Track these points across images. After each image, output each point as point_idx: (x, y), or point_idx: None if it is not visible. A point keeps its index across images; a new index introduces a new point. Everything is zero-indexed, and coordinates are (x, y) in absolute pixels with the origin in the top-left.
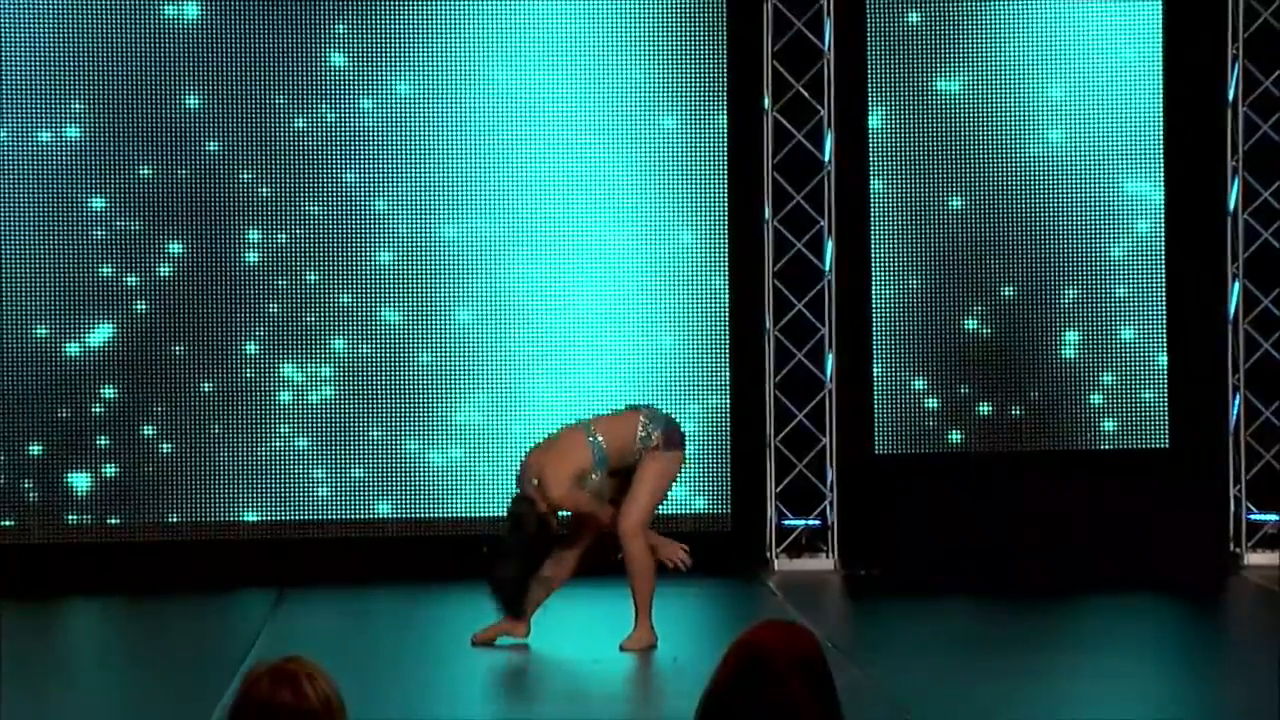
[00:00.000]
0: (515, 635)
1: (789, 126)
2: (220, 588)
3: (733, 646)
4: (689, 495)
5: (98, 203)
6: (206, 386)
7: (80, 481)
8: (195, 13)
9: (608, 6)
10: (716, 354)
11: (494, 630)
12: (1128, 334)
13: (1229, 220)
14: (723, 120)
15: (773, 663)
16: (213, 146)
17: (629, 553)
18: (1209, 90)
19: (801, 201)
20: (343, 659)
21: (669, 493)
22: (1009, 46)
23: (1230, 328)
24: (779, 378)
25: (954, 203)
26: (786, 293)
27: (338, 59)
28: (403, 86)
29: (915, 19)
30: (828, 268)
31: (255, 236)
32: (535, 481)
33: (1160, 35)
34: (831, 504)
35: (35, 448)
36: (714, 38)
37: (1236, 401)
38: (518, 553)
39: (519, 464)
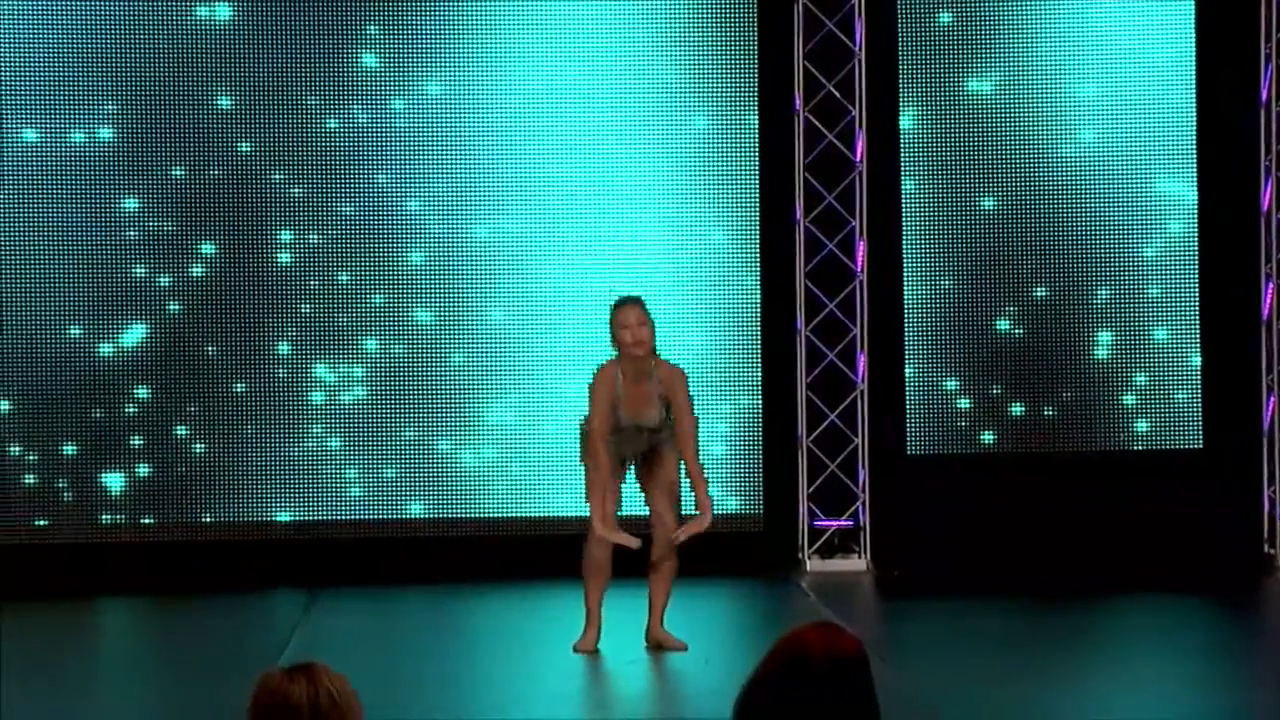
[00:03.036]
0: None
1: (820, 127)
2: (252, 588)
3: (777, 644)
4: (721, 495)
5: (130, 203)
6: (239, 387)
7: (114, 481)
8: (227, 15)
9: (640, 9)
10: (748, 354)
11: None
12: (1161, 335)
13: (1262, 220)
14: (754, 121)
15: (814, 663)
16: (245, 147)
17: (673, 559)
18: (1242, 90)
19: (833, 202)
20: (374, 659)
21: None
22: (1040, 46)
23: (1264, 329)
24: (811, 378)
25: (986, 203)
26: (818, 293)
27: (370, 60)
28: (434, 88)
29: (947, 19)
30: (859, 268)
31: (287, 237)
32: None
33: (1193, 35)
34: (863, 505)
35: (69, 448)
36: (745, 39)
37: (1270, 402)
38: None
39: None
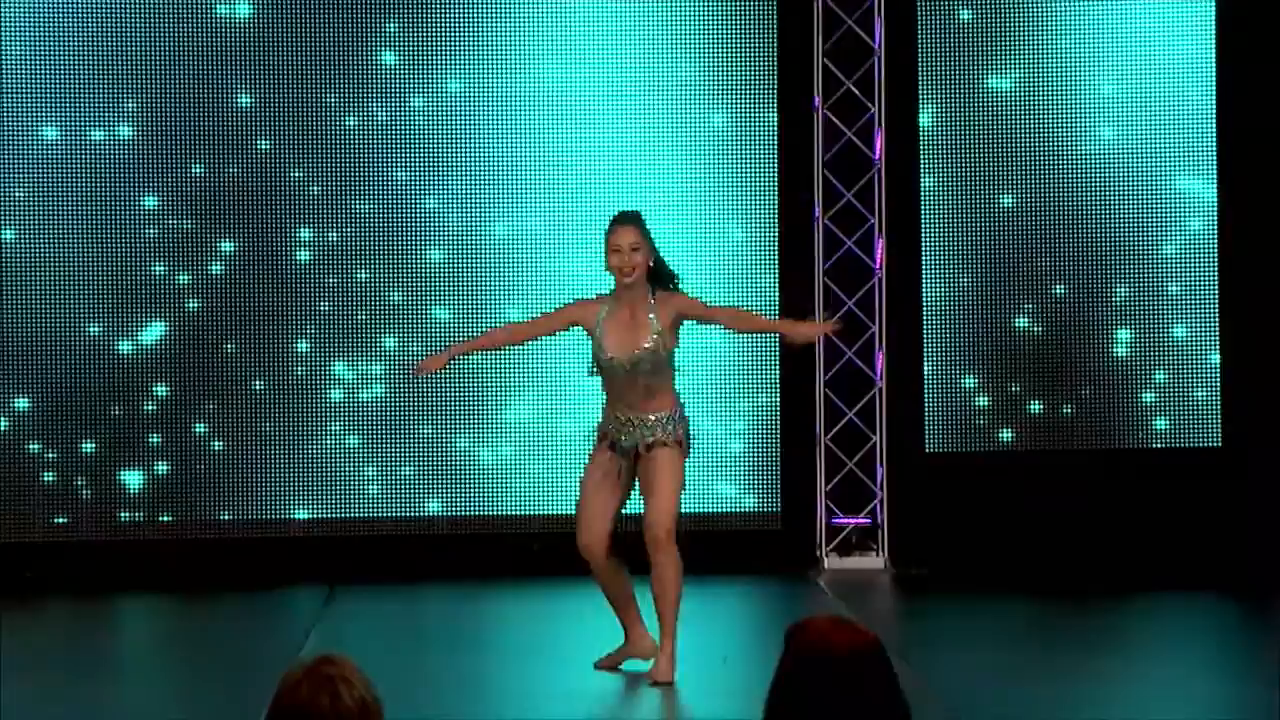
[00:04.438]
0: (640, 656)
1: (839, 124)
2: (271, 585)
3: (792, 644)
4: (739, 493)
5: (150, 201)
6: (258, 384)
7: (133, 479)
8: (247, 12)
9: (659, 6)
10: (766, 352)
11: (620, 655)
12: (1180, 332)
13: None
14: (773, 117)
15: (837, 661)
16: (264, 144)
17: (663, 562)
18: (1262, 86)
19: (852, 199)
20: (391, 657)
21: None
22: (1060, 44)
23: None
24: (829, 376)
25: (1005, 200)
26: (837, 290)
27: (389, 58)
28: (454, 84)
29: (966, 16)
30: (878, 266)
31: (306, 234)
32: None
33: (1213, 30)
34: (881, 502)
35: (88, 445)
36: (765, 35)
37: None
38: None
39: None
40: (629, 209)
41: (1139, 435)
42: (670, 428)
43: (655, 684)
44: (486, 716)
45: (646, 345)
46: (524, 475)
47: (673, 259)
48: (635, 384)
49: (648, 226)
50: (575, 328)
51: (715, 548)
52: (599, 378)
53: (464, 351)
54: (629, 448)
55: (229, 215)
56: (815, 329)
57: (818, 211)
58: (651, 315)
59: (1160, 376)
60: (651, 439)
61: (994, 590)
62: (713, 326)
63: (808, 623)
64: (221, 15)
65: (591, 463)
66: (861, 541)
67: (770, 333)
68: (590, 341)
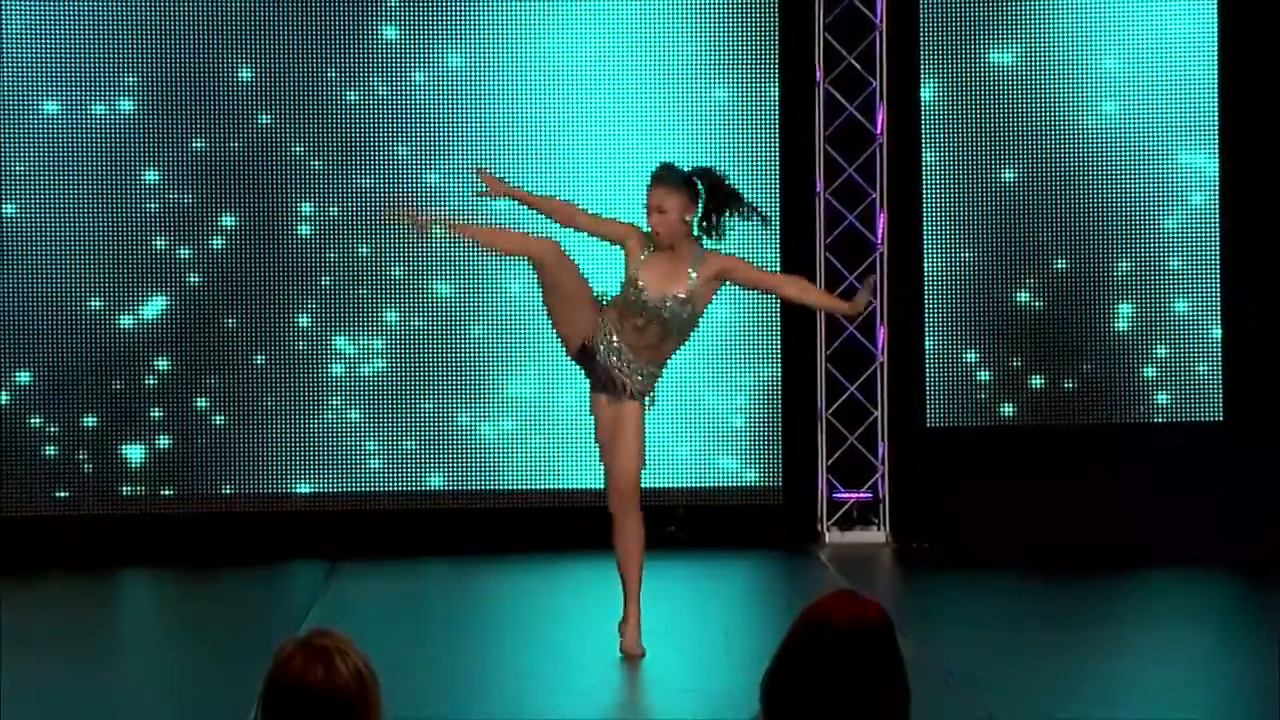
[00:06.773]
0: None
1: (841, 99)
2: (272, 560)
3: (798, 618)
4: (740, 468)
5: (150, 175)
6: (259, 359)
7: (134, 453)
8: None
9: None
10: (768, 326)
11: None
12: (1181, 306)
13: None
14: (775, 92)
15: (837, 633)
16: (265, 119)
17: (628, 523)
18: (1264, 60)
19: (853, 174)
20: (393, 633)
21: None
22: (1062, 18)
23: None
24: (830, 350)
25: (1007, 175)
26: (838, 265)
27: (390, 32)
28: (455, 58)
29: None
30: (879, 240)
31: (307, 209)
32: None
33: (1215, 4)
34: (883, 477)
35: (90, 420)
36: (766, 10)
37: None
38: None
39: None
40: (663, 164)
41: (1140, 409)
42: (652, 383)
43: (628, 657)
44: (487, 695)
45: (680, 294)
46: (527, 449)
47: None
48: (651, 332)
49: (680, 175)
50: (615, 247)
51: (716, 522)
52: (606, 318)
53: (518, 197)
54: (617, 379)
55: (230, 189)
56: (859, 306)
57: (819, 186)
58: (692, 271)
59: (1162, 351)
60: (635, 387)
61: (995, 565)
62: (756, 292)
63: (819, 598)
64: None
65: (596, 421)
66: (863, 516)
67: (817, 308)
68: (624, 271)
